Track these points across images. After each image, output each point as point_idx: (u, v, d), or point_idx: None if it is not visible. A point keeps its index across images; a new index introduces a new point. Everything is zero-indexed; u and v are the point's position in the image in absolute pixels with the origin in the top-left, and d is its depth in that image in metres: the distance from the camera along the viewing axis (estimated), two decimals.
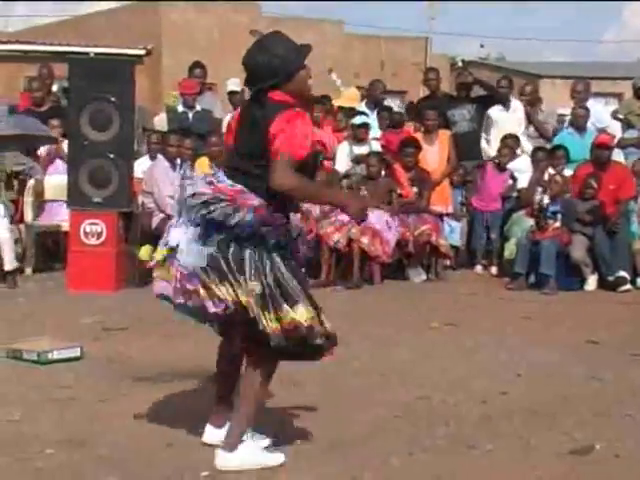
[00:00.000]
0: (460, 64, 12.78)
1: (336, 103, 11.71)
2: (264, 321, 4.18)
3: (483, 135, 11.47)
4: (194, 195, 4.31)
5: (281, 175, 4.18)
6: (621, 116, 11.74)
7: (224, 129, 11.30)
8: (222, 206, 4.23)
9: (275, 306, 4.19)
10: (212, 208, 4.23)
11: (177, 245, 4.32)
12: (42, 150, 10.67)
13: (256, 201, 4.24)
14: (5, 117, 10.45)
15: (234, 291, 4.19)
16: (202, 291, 4.23)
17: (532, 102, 11.77)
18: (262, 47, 4.39)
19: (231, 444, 4.33)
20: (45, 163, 10.64)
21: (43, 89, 11.42)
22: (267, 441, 4.54)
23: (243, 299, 4.18)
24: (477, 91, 11.93)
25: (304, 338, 4.24)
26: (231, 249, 4.21)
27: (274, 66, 4.31)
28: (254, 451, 4.37)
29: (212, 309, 4.24)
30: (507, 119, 11.36)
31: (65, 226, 9.64)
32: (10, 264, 9.23)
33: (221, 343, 4.65)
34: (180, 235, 4.33)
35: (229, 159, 4.52)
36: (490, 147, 11.37)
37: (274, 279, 4.20)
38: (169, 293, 4.38)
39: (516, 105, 11.48)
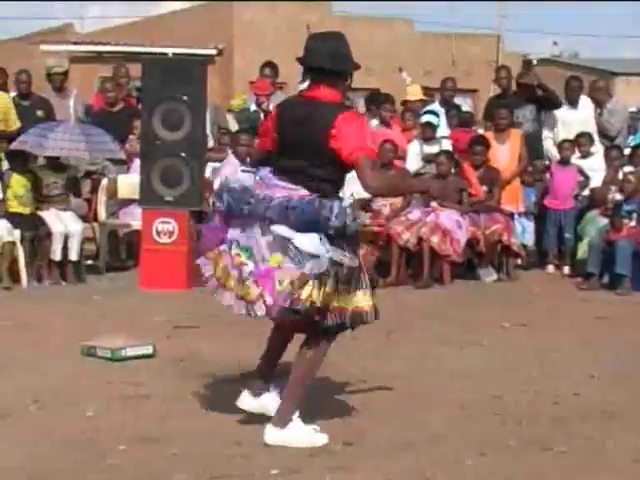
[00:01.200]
0: (535, 62, 12.68)
1: (406, 97, 11.77)
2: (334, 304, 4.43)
3: (547, 134, 11.32)
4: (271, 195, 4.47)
5: (371, 177, 4.42)
6: None
7: None
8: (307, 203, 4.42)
9: (343, 290, 4.43)
10: (303, 207, 4.40)
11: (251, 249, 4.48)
12: (127, 146, 10.74)
13: (320, 198, 4.43)
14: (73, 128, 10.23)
15: (313, 291, 4.37)
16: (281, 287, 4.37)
17: (601, 99, 11.54)
18: (337, 36, 4.64)
19: (282, 421, 4.53)
20: (129, 161, 10.71)
21: (116, 89, 11.53)
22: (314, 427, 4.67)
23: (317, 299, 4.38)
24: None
25: (361, 321, 4.56)
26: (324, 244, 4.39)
27: (343, 58, 4.54)
28: (303, 430, 4.55)
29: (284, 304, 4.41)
30: (574, 118, 11.21)
31: (138, 225, 9.73)
32: (76, 255, 9.35)
33: (276, 325, 4.80)
34: (258, 237, 4.48)
35: (277, 159, 4.60)
36: (555, 147, 11.24)
37: (347, 266, 4.41)
38: (238, 307, 4.54)
39: (585, 103, 11.31)
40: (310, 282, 4.37)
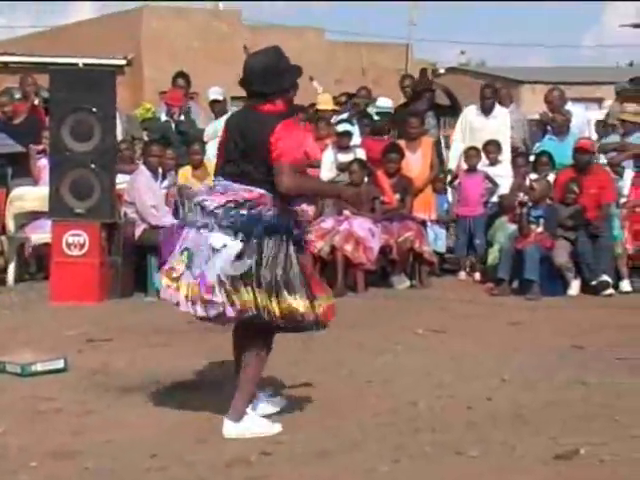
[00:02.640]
0: (442, 71, 12.94)
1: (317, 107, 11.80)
2: (268, 305, 4.76)
3: (456, 143, 11.47)
4: (207, 201, 4.85)
5: (286, 178, 4.77)
6: (615, 122, 11.77)
7: (205, 138, 11.36)
8: (248, 207, 4.80)
9: (277, 293, 4.76)
10: (242, 211, 4.79)
11: (189, 251, 4.83)
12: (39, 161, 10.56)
13: (270, 200, 4.83)
14: None
15: (255, 295, 4.75)
16: (223, 298, 4.75)
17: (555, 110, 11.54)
18: (270, 55, 5.02)
19: (237, 415, 4.90)
20: (38, 174, 10.55)
21: (13, 102, 11.22)
22: (274, 408, 5.19)
23: (262, 302, 4.75)
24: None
25: (297, 323, 4.89)
26: (254, 244, 4.77)
27: (281, 75, 4.94)
28: (257, 421, 4.96)
29: (231, 314, 4.80)
30: (486, 126, 11.38)
31: (47, 238, 9.59)
32: None
33: (234, 333, 5.11)
34: (199, 240, 4.82)
35: (230, 167, 4.95)
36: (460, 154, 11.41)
37: (283, 268, 4.77)
38: (180, 303, 4.86)
39: (500, 111, 11.49)
40: (228, 283, 4.74)
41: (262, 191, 4.85)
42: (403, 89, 12.25)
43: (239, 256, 4.76)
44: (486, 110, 11.39)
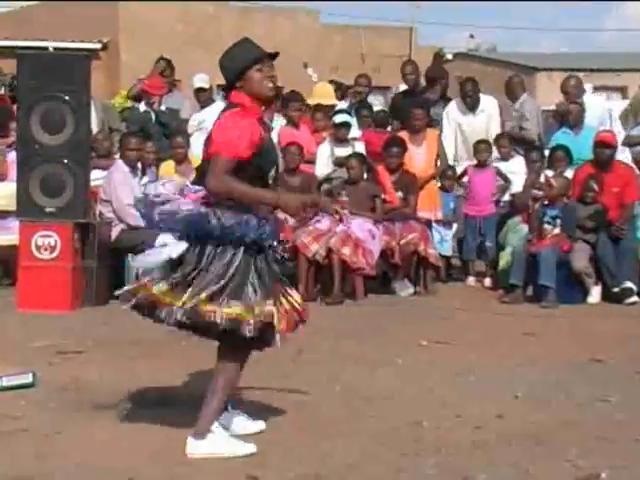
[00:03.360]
0: (449, 57, 12.98)
1: (311, 101, 11.62)
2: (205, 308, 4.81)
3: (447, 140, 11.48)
4: (160, 196, 4.94)
5: (212, 177, 4.80)
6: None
7: (189, 130, 11.36)
8: (195, 210, 4.87)
9: (213, 296, 4.80)
10: (188, 213, 4.86)
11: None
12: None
13: (215, 203, 4.86)
14: None
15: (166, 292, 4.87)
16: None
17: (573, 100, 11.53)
18: (225, 50, 5.09)
19: (200, 432, 4.89)
20: (5, 169, 10.52)
21: None
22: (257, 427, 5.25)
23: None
24: None
25: (232, 329, 4.81)
26: (197, 249, 4.86)
27: (224, 65, 5.02)
28: (223, 439, 4.92)
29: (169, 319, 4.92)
30: (473, 122, 11.38)
31: (15, 239, 9.57)
32: None
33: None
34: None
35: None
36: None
37: (218, 275, 4.81)
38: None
39: (485, 105, 11.47)
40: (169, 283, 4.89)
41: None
42: (405, 77, 12.25)
43: (180, 258, 4.87)
44: (470, 107, 11.40)
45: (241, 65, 4.99)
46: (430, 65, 12.59)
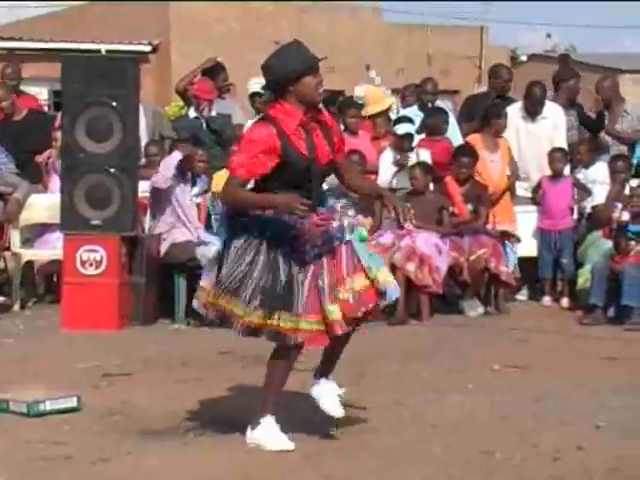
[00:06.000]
0: (524, 58, 12.87)
1: (364, 113, 11.53)
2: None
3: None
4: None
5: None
6: None
7: None
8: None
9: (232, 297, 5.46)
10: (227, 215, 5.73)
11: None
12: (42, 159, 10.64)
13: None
14: None
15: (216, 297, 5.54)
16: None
17: (608, 102, 11.62)
18: (273, 53, 5.50)
19: (254, 423, 5.54)
20: (46, 176, 10.61)
21: (7, 96, 11.17)
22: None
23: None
24: None
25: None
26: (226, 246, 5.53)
27: (277, 69, 5.42)
28: (266, 433, 5.50)
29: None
30: (531, 130, 11.28)
31: (58, 254, 9.67)
32: None
33: None
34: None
35: None
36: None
37: (244, 273, 5.43)
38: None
39: (548, 112, 11.33)
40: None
41: None
42: (493, 82, 12.07)
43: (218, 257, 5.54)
44: (532, 113, 11.28)
45: (298, 70, 5.38)
46: (558, 69, 12.45)
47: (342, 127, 11.11)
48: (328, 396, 5.74)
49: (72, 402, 6.30)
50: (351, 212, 5.70)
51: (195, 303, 5.70)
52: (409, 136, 10.90)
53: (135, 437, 5.73)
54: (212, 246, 5.87)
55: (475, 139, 10.99)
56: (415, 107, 12.07)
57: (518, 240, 10.79)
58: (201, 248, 9.32)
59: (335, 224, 5.50)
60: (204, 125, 11.34)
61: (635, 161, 11.00)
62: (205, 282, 5.61)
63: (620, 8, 48.93)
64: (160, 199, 9.80)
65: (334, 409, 5.72)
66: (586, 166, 11.07)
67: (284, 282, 5.39)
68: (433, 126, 11.38)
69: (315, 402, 5.76)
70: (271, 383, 5.56)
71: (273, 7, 23.96)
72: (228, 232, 5.54)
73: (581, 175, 11.03)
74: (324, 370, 5.80)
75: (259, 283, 5.40)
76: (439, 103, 12.52)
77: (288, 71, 5.40)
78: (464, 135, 11.41)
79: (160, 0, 24.04)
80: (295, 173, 5.46)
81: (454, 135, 11.30)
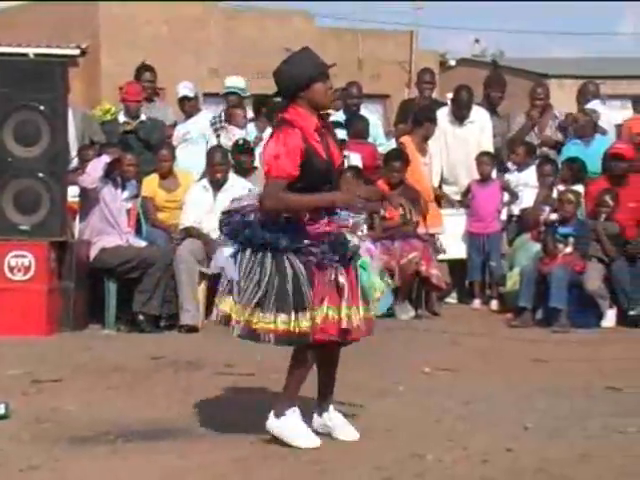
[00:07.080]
0: (452, 63, 12.97)
1: None
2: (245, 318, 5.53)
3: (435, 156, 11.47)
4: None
5: (266, 199, 5.52)
6: None
7: (174, 142, 11.35)
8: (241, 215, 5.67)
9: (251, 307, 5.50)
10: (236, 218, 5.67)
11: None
12: None
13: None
14: None
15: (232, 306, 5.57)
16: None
17: (543, 109, 11.68)
18: (284, 60, 5.69)
19: (276, 411, 5.61)
20: None
21: None
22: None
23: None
24: None
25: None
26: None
27: (289, 75, 5.60)
28: (292, 427, 5.58)
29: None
30: (458, 134, 11.37)
31: None
32: None
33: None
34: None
35: None
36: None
37: (257, 281, 5.49)
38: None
39: (475, 115, 11.42)
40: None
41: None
42: (420, 85, 12.18)
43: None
44: (459, 116, 11.36)
45: (309, 75, 5.60)
46: (488, 74, 12.56)
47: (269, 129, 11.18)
48: (337, 427, 5.80)
49: (0, 409, 6.24)
50: (360, 231, 6.15)
51: (216, 314, 5.68)
52: (342, 142, 10.92)
53: (64, 444, 5.69)
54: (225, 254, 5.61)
55: (407, 140, 11.05)
56: (341, 112, 12.12)
57: (443, 251, 10.83)
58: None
59: (349, 237, 5.86)
60: (133, 134, 11.20)
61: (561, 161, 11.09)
62: (227, 295, 5.59)
63: (549, 14, 49.50)
64: (89, 203, 9.75)
65: (350, 435, 5.79)
66: (520, 169, 11.15)
67: (291, 282, 5.48)
68: (359, 130, 11.46)
69: (329, 434, 5.78)
70: (295, 375, 5.64)
71: (202, 12, 23.88)
72: (257, 239, 5.53)
73: (513, 178, 11.12)
74: (323, 404, 5.86)
75: (273, 290, 5.48)
76: (369, 107, 12.56)
77: (299, 78, 5.59)
78: (397, 137, 11.47)
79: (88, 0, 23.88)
80: (318, 176, 5.59)
81: (379, 139, 11.42)
